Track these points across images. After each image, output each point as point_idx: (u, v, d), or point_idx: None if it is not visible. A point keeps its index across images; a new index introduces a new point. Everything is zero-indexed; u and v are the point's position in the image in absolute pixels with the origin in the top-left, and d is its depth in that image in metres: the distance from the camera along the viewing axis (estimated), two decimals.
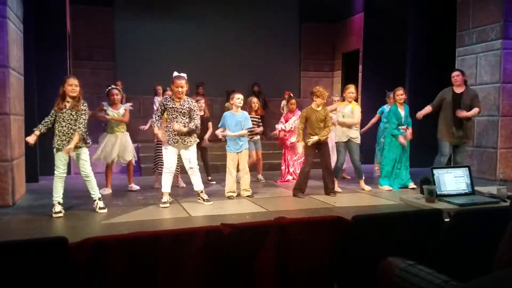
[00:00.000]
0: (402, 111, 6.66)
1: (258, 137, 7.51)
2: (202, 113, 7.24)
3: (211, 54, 10.97)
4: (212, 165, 8.41)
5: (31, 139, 4.91)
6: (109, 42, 10.62)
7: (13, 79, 5.70)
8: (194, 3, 10.99)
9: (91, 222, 4.74)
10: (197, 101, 7.16)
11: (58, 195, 4.99)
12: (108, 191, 6.42)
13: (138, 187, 6.69)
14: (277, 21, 11.63)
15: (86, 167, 5.12)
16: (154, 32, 10.80)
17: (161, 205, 5.48)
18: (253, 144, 7.14)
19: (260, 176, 7.60)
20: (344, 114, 6.53)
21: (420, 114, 6.66)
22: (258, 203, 5.65)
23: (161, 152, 6.12)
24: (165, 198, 5.54)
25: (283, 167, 7.65)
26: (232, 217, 4.80)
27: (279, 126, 7.59)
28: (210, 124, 7.41)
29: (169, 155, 5.51)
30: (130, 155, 6.53)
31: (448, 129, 6.53)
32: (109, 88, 6.46)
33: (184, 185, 6.92)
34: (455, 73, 6.65)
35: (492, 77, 7.54)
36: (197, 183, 5.66)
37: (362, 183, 6.69)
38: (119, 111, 6.42)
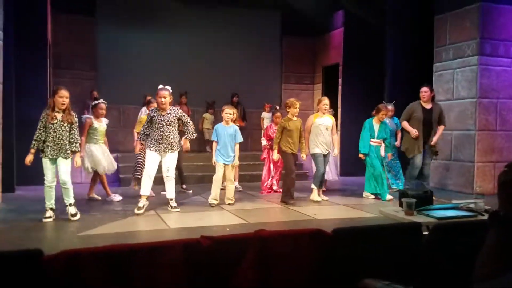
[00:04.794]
0: (377, 126, 6.87)
1: None
2: None
3: (193, 65, 10.98)
4: (195, 175, 8.44)
5: (30, 159, 5.03)
6: (91, 51, 10.41)
7: None
8: (177, 14, 10.94)
9: (67, 234, 4.62)
10: None
11: (50, 202, 5.11)
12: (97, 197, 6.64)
13: (120, 197, 6.66)
14: (259, 34, 11.70)
15: (68, 175, 5.14)
16: (136, 42, 10.77)
17: (136, 211, 5.47)
18: None
19: (236, 184, 7.54)
20: (328, 127, 6.68)
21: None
22: (238, 215, 5.61)
23: (142, 158, 6.34)
24: (142, 202, 5.56)
25: (267, 180, 7.57)
26: (213, 229, 4.74)
27: (263, 142, 7.69)
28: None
29: (151, 161, 5.61)
30: (112, 165, 6.72)
31: (417, 143, 6.82)
32: (98, 102, 6.56)
33: (154, 195, 6.84)
34: (423, 89, 6.93)
35: (469, 92, 7.68)
36: (170, 191, 5.81)
37: (319, 192, 6.76)
38: (103, 124, 6.62)
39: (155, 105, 6.18)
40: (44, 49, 8.26)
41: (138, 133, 6.28)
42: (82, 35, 10.32)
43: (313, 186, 6.69)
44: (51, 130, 4.99)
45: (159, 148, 5.58)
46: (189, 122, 5.84)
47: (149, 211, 5.66)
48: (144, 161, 6.28)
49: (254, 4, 11.11)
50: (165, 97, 5.58)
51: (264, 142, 7.69)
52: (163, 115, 5.60)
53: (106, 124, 6.70)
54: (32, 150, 5.00)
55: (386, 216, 4.91)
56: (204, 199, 6.61)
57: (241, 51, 11.46)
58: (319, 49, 12.03)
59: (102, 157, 6.50)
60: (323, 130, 6.63)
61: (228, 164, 6.22)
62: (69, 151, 5.11)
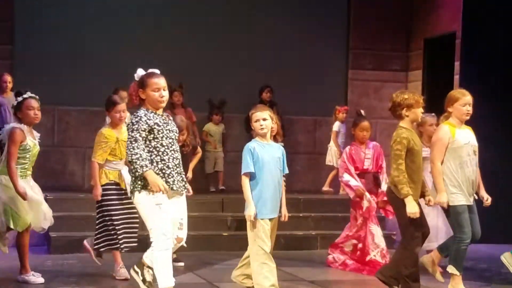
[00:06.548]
0: None
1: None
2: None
3: (189, 41, 9.91)
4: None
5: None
6: (5, 14, 9.45)
7: None
8: None
9: None
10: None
11: None
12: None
13: (42, 279, 5.82)
14: None
15: None
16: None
17: None
18: None
19: None
20: (475, 149, 5.90)
21: None
22: None
23: (107, 211, 5.87)
24: None
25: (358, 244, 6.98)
26: None
27: (355, 184, 6.80)
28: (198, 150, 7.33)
29: (165, 215, 4.97)
30: (46, 218, 5.97)
31: None
32: (25, 97, 5.83)
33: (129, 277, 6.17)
34: None
35: None
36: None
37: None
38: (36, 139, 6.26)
39: (121, 107, 5.85)
40: None
41: (100, 164, 5.80)
42: None
43: (452, 270, 5.69)
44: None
45: (179, 185, 5.08)
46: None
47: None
48: (113, 216, 5.87)
49: None
50: (165, 89, 5.10)
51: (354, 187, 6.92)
52: (168, 122, 5.24)
53: (39, 139, 6.29)
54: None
55: None
56: (201, 278, 6.10)
57: (273, 17, 10.24)
58: (417, 11, 10.76)
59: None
60: (470, 154, 5.85)
61: (274, 218, 5.46)
62: None
